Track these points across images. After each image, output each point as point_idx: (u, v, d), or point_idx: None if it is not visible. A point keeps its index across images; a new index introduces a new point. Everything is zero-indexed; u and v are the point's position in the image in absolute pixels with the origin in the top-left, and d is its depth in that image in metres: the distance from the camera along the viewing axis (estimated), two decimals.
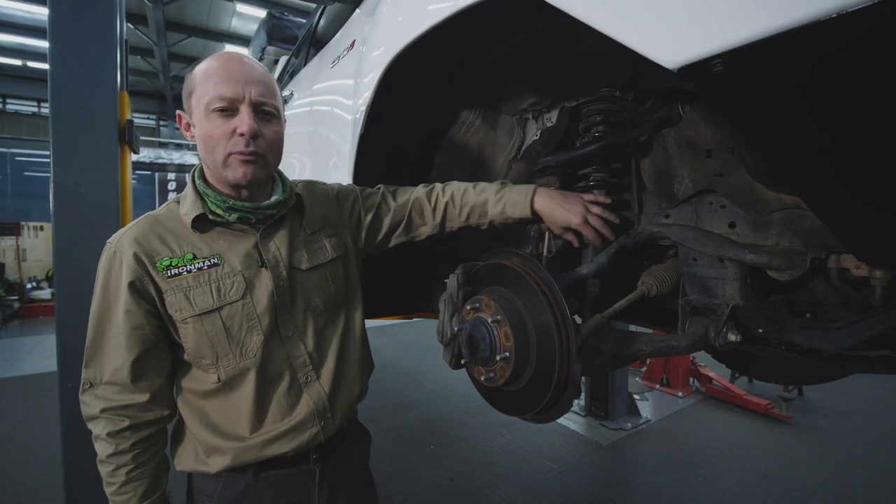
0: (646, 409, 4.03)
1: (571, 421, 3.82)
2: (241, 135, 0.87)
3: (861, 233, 0.63)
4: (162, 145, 14.11)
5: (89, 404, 0.91)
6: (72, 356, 1.90)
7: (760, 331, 1.01)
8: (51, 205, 1.89)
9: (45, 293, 8.97)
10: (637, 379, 4.75)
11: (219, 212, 0.91)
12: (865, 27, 0.38)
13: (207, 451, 0.94)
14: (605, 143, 1.01)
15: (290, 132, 2.34)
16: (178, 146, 14.46)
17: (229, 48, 11.95)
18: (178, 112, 0.94)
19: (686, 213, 1.03)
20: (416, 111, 1.29)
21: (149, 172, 13.25)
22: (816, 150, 0.53)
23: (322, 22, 2.73)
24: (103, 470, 0.91)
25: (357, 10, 1.59)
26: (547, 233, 1.13)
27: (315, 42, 2.67)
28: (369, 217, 1.15)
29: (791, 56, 0.44)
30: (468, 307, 1.02)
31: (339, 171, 1.52)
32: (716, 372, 4.40)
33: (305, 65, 2.62)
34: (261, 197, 0.98)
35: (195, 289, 0.89)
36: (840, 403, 4.14)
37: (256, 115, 0.90)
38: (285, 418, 0.95)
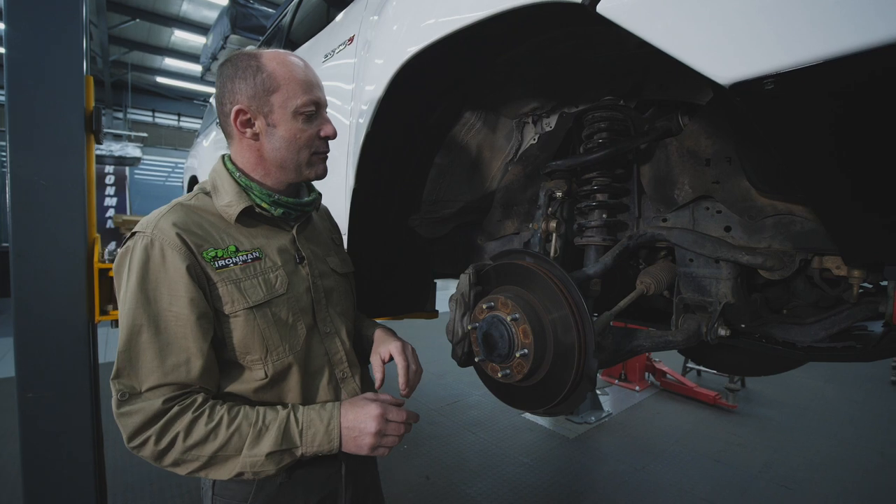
0: (607, 403, 4.22)
1: (539, 416, 3.94)
2: (326, 137, 0.95)
3: (854, 234, 0.71)
4: None
5: (139, 411, 0.78)
6: (33, 363, 1.75)
7: (743, 326, 1.11)
8: (7, 199, 1.72)
9: None
10: (598, 375, 4.95)
11: (264, 206, 0.92)
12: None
13: None
14: (613, 150, 1.06)
15: None
16: (117, 137, 13.49)
17: (179, 34, 11.30)
18: (237, 107, 0.89)
19: (684, 217, 1.10)
20: (422, 113, 1.30)
21: None
22: (833, 164, 0.60)
23: (298, 15, 2.65)
24: (206, 449, 0.79)
25: (356, 4, 1.56)
26: (553, 234, 1.18)
27: (288, 38, 2.59)
28: None
29: (830, 82, 0.50)
30: (483, 306, 1.05)
31: (334, 173, 1.49)
32: (669, 367, 4.67)
33: None
34: (298, 195, 1.01)
35: (244, 281, 0.87)
36: (777, 393, 4.53)
37: None
38: None
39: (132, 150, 13.27)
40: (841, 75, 0.49)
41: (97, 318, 1.99)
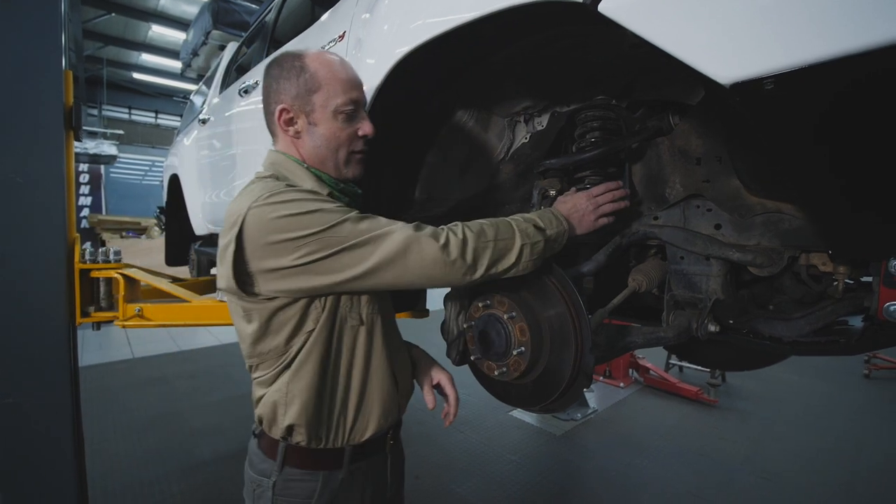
0: (592, 399, 4.27)
1: (526, 414, 3.96)
2: (365, 136, 0.98)
3: (843, 231, 0.73)
4: None
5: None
6: (9, 367, 1.69)
7: (732, 322, 1.13)
8: None
9: None
10: None
11: (337, 192, 0.97)
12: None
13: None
14: (608, 149, 1.08)
15: (251, 126, 2.23)
16: (92, 134, 13.11)
17: (157, 29, 11.04)
18: (281, 107, 0.94)
19: (675, 215, 1.12)
20: (412, 112, 1.29)
21: None
22: (826, 163, 0.62)
23: (283, 12, 2.61)
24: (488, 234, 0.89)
25: (345, 0, 1.54)
26: None
27: (273, 37, 2.55)
28: None
29: (829, 83, 0.51)
30: (479, 304, 1.05)
31: None
32: (652, 363, 4.76)
33: (267, 55, 2.50)
34: None
35: None
36: (756, 387, 4.64)
37: None
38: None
39: (108, 148, 12.90)
40: (840, 76, 0.50)
41: (78, 320, 1.94)
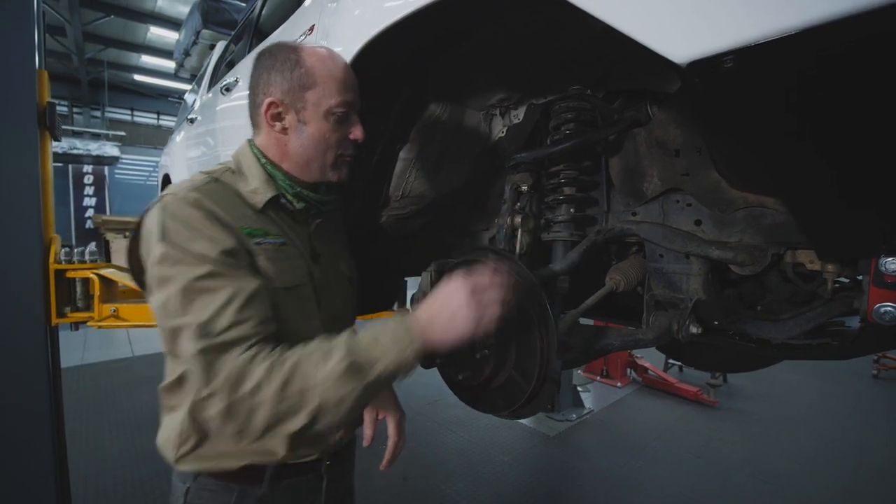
0: (588, 399, 4.21)
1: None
2: (355, 140, 0.92)
3: (825, 227, 0.67)
4: (76, 134, 12.73)
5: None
6: None
7: (716, 323, 1.07)
8: None
9: None
10: (579, 371, 4.95)
11: (287, 196, 0.90)
12: (878, 28, 0.40)
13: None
14: (580, 141, 1.02)
15: (231, 124, 2.19)
16: (96, 136, 13.15)
17: (154, 30, 11.03)
18: (270, 100, 0.87)
19: (654, 210, 1.06)
20: (382, 103, 1.24)
21: (61, 164, 11.92)
22: (800, 152, 0.56)
23: (266, 8, 2.57)
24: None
25: None
26: (519, 230, 1.13)
27: (257, 30, 2.51)
28: None
29: (797, 57, 0.46)
30: None
31: None
32: (650, 363, 4.68)
33: (250, 51, 2.45)
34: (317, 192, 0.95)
35: (279, 262, 0.84)
36: (759, 388, 4.56)
37: None
38: None
39: (110, 150, 12.95)
40: (809, 49, 0.44)
41: (54, 320, 1.90)
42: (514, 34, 1.00)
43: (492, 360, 0.91)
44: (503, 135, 1.34)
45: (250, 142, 0.94)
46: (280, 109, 0.88)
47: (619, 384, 4.64)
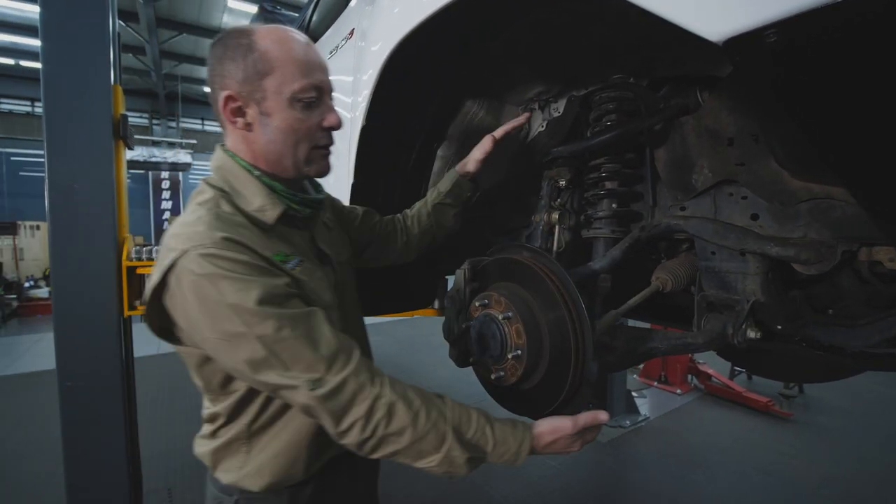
0: (644, 406, 4.00)
1: None
2: (329, 128, 0.83)
3: None
4: (155, 143, 13.93)
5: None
6: (70, 354, 1.88)
7: (780, 327, 0.97)
8: (46, 203, 1.84)
9: (43, 292, 8.94)
10: (635, 376, 4.73)
11: (294, 206, 0.83)
12: None
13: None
14: (619, 132, 0.96)
15: None
16: (171, 145, 14.28)
17: None
18: (226, 94, 0.77)
19: (704, 204, 0.98)
20: (418, 102, 1.24)
21: (142, 171, 13.11)
22: (866, 134, 0.49)
23: (315, 16, 2.66)
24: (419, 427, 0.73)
25: None
26: (557, 227, 1.09)
27: (308, 35, 2.61)
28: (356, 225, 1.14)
29: (855, 25, 0.40)
30: (476, 303, 0.98)
31: (338, 168, 1.46)
32: (715, 369, 4.38)
33: None
34: (303, 191, 0.91)
35: (308, 283, 0.80)
36: (841, 400, 4.13)
37: None
38: None
39: (184, 157, 14.04)
40: (870, 12, 0.38)
41: (126, 312, 2.07)
42: (548, 24, 0.96)
43: (523, 360, 0.88)
44: (542, 129, 1.30)
45: (223, 148, 0.84)
46: (239, 103, 0.77)
47: (678, 391, 4.38)
